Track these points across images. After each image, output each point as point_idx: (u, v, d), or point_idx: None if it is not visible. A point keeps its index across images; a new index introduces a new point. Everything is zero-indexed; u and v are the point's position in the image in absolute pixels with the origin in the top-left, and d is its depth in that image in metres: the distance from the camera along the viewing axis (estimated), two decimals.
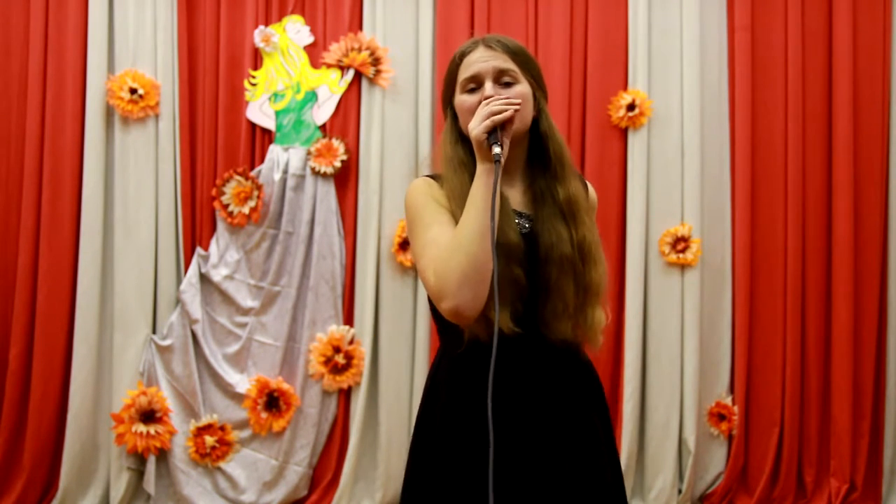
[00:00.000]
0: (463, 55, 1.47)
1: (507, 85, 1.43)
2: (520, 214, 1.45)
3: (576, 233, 1.42)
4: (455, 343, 1.43)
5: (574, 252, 1.41)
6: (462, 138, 1.48)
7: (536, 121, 1.48)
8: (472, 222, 1.30)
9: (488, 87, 1.42)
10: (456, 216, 1.39)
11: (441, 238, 1.36)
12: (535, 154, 1.49)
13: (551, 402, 1.42)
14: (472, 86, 1.45)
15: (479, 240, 1.28)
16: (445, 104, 1.53)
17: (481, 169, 1.33)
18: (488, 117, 1.31)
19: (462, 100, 1.45)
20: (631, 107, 3.34)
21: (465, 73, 1.45)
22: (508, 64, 1.44)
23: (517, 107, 1.34)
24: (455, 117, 1.50)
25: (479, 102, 1.39)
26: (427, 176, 1.52)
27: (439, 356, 1.53)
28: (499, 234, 1.33)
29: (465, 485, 1.38)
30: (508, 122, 1.33)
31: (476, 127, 1.32)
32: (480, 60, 1.44)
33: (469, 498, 1.36)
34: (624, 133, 3.41)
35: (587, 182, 1.57)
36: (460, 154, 1.47)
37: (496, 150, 1.29)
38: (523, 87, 1.44)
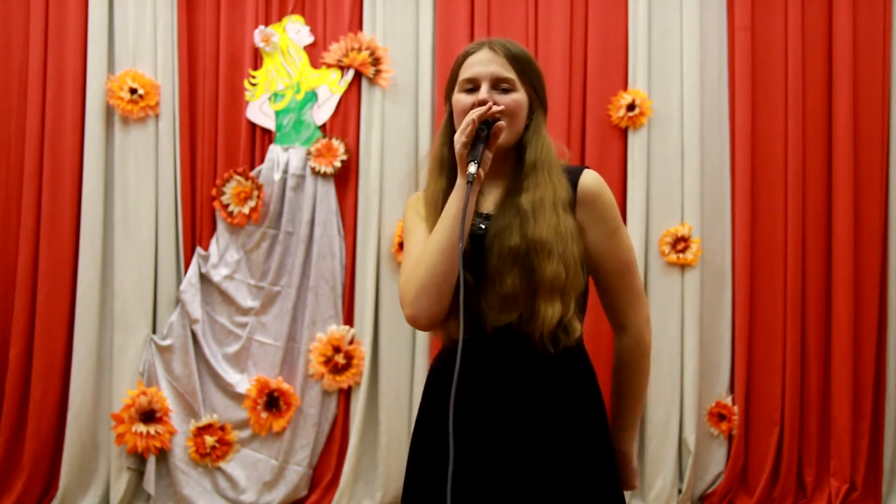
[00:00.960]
0: (467, 55, 1.49)
1: (505, 91, 1.44)
2: (481, 215, 1.46)
3: (532, 228, 1.39)
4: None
5: (521, 244, 1.38)
6: (452, 139, 1.49)
7: (526, 129, 1.49)
8: (437, 236, 1.37)
9: (483, 90, 1.43)
10: (429, 224, 1.45)
11: (414, 249, 1.45)
12: (519, 160, 1.50)
13: (492, 397, 1.43)
14: (469, 86, 1.46)
15: (440, 254, 1.35)
16: (446, 100, 1.55)
17: (460, 182, 1.36)
18: (470, 130, 1.34)
19: (458, 98, 1.47)
20: (631, 107, 3.34)
21: (465, 73, 1.47)
22: (508, 72, 1.45)
23: (501, 119, 1.38)
24: (451, 113, 1.52)
25: (473, 105, 1.42)
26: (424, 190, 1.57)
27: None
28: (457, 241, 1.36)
29: (428, 485, 1.46)
30: (493, 137, 1.36)
31: (458, 139, 1.35)
32: (480, 63, 1.45)
33: (429, 496, 1.44)
34: (624, 133, 3.41)
35: (585, 171, 1.48)
36: (444, 155, 1.51)
37: (471, 168, 1.32)
38: (519, 96, 1.45)
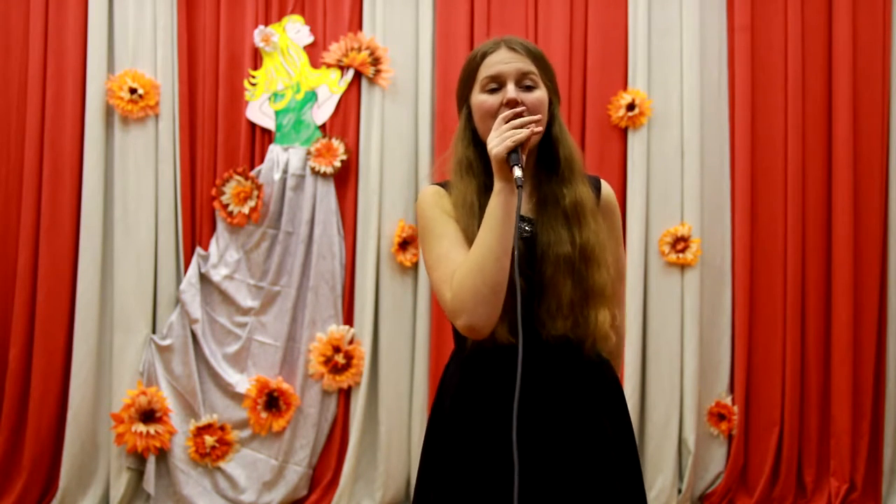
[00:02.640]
0: (485, 55, 1.46)
1: (528, 88, 1.43)
2: (522, 219, 1.45)
3: (579, 235, 1.42)
4: (464, 346, 1.48)
5: (574, 252, 1.40)
6: (475, 140, 1.48)
7: (549, 125, 1.48)
8: (489, 243, 1.32)
9: (511, 89, 1.41)
10: (461, 225, 1.41)
11: (453, 253, 1.39)
12: (544, 157, 1.49)
13: (552, 404, 1.42)
14: (493, 86, 1.44)
15: (496, 261, 1.31)
16: (461, 102, 1.52)
17: (499, 186, 1.33)
18: (507, 138, 1.32)
19: (482, 99, 1.44)
20: (631, 106, 3.34)
21: (486, 71, 1.44)
22: (530, 67, 1.44)
23: (537, 126, 1.36)
24: (469, 116, 1.49)
25: (500, 104, 1.40)
26: (437, 184, 1.53)
27: (451, 356, 1.58)
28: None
29: (467, 489, 1.41)
30: (528, 140, 1.35)
31: (497, 145, 1.32)
32: (503, 62, 1.44)
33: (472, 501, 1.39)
34: (624, 133, 3.41)
35: (602, 180, 1.56)
36: (470, 157, 1.48)
37: (517, 172, 1.29)
38: (542, 93, 1.44)
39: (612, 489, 1.42)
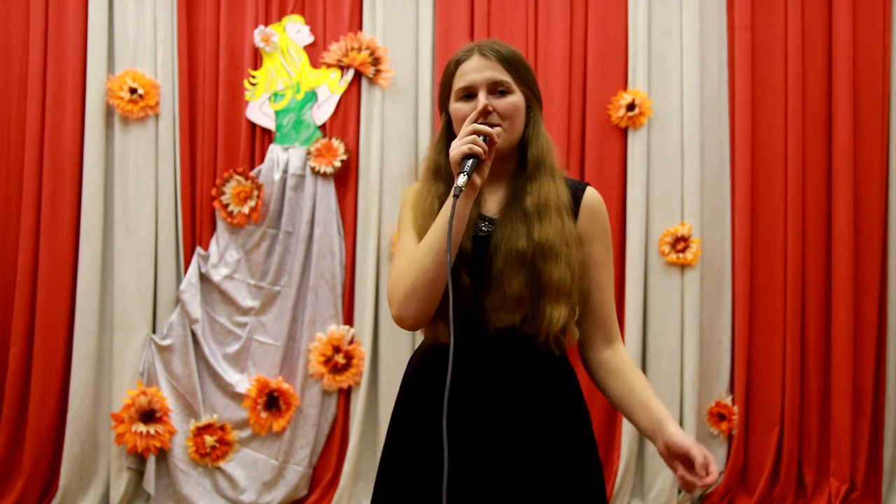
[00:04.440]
0: (458, 63, 1.48)
1: (501, 94, 1.45)
2: (484, 218, 1.47)
3: (539, 231, 1.41)
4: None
5: (528, 247, 1.40)
6: (450, 146, 1.48)
7: (525, 127, 1.49)
8: (428, 240, 1.37)
9: (482, 98, 1.43)
10: (419, 225, 1.46)
11: (407, 248, 1.45)
12: (521, 158, 1.50)
13: (496, 397, 1.43)
14: (466, 94, 1.47)
15: (432, 258, 1.35)
16: (442, 108, 1.55)
17: (454, 189, 1.35)
18: (466, 143, 1.34)
19: (457, 108, 1.47)
20: (631, 107, 3.34)
21: (459, 81, 1.47)
22: (503, 75, 1.45)
23: (502, 135, 1.40)
24: (449, 122, 1.52)
25: (473, 112, 1.42)
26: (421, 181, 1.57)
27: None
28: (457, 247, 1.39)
29: (402, 483, 1.46)
30: (491, 144, 1.36)
31: (454, 149, 1.35)
32: (475, 70, 1.45)
33: (409, 496, 1.44)
34: (624, 133, 3.41)
35: (588, 188, 1.53)
36: (440, 162, 1.51)
37: (459, 180, 1.32)
38: (515, 98, 1.46)
39: (550, 485, 1.41)
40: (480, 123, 1.39)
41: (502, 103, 1.44)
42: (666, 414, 1.48)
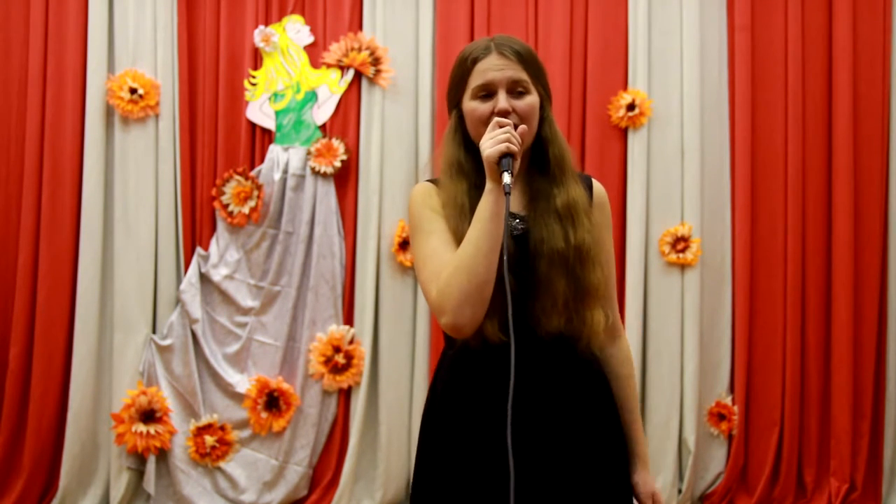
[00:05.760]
0: (475, 60, 1.45)
1: (520, 94, 1.44)
2: (514, 216, 1.46)
3: (573, 234, 1.42)
4: (453, 343, 1.49)
5: (568, 249, 1.41)
6: (466, 143, 1.48)
7: (540, 125, 1.48)
8: (476, 242, 1.32)
9: (502, 98, 1.42)
10: (451, 224, 1.42)
11: (441, 251, 1.40)
12: (536, 157, 1.50)
13: (547, 401, 1.43)
14: (484, 93, 1.44)
15: (483, 261, 1.31)
16: (452, 104, 1.52)
17: (490, 187, 1.34)
18: (502, 142, 1.32)
19: (473, 106, 1.45)
20: (631, 107, 3.34)
21: (477, 79, 1.44)
22: (521, 74, 1.44)
23: (524, 134, 1.37)
24: (460, 118, 1.50)
25: (492, 112, 1.41)
26: (428, 180, 1.53)
27: (443, 353, 1.58)
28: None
29: (461, 489, 1.42)
30: (519, 149, 1.36)
31: (489, 148, 1.33)
32: (494, 69, 1.43)
33: (463, 498, 1.40)
34: (624, 133, 3.41)
35: (592, 179, 1.56)
36: (461, 158, 1.48)
37: (506, 178, 1.30)
38: (533, 98, 1.45)
39: (599, 488, 1.43)
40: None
41: (521, 103, 1.43)
42: (642, 453, 1.55)
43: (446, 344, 1.54)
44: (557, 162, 1.47)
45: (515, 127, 1.36)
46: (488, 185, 1.34)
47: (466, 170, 1.47)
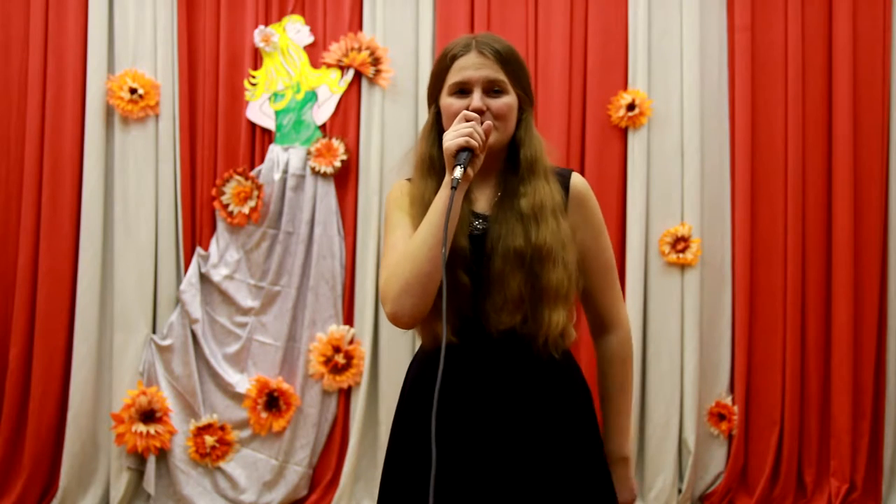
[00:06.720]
0: (455, 57, 1.46)
1: (496, 94, 1.44)
2: (478, 216, 1.46)
3: (535, 233, 1.40)
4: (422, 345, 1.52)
5: (527, 248, 1.39)
6: (440, 138, 1.47)
7: (517, 127, 1.48)
8: (422, 235, 1.34)
9: (476, 97, 1.42)
10: (414, 221, 1.42)
11: (399, 244, 1.41)
12: (511, 158, 1.50)
13: (496, 399, 1.42)
14: (460, 90, 1.45)
15: (428, 253, 1.32)
16: (431, 100, 1.53)
17: (447, 180, 1.34)
18: (462, 136, 1.32)
19: (449, 102, 1.46)
20: (631, 107, 3.34)
21: (454, 76, 1.45)
22: (499, 74, 1.44)
23: (490, 131, 1.37)
24: (438, 115, 1.51)
25: (466, 110, 1.41)
26: (407, 179, 1.54)
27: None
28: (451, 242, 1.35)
29: (403, 485, 1.46)
30: (483, 142, 1.36)
31: (450, 140, 1.34)
32: (472, 67, 1.44)
33: (412, 499, 1.43)
34: (624, 133, 3.41)
35: (573, 174, 1.53)
36: (433, 155, 1.49)
37: (457, 172, 1.31)
38: (509, 98, 1.45)
39: (553, 488, 1.41)
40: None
41: (496, 103, 1.43)
42: (621, 427, 1.56)
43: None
44: (529, 164, 1.46)
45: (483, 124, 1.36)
46: (446, 179, 1.34)
47: (437, 166, 1.47)
